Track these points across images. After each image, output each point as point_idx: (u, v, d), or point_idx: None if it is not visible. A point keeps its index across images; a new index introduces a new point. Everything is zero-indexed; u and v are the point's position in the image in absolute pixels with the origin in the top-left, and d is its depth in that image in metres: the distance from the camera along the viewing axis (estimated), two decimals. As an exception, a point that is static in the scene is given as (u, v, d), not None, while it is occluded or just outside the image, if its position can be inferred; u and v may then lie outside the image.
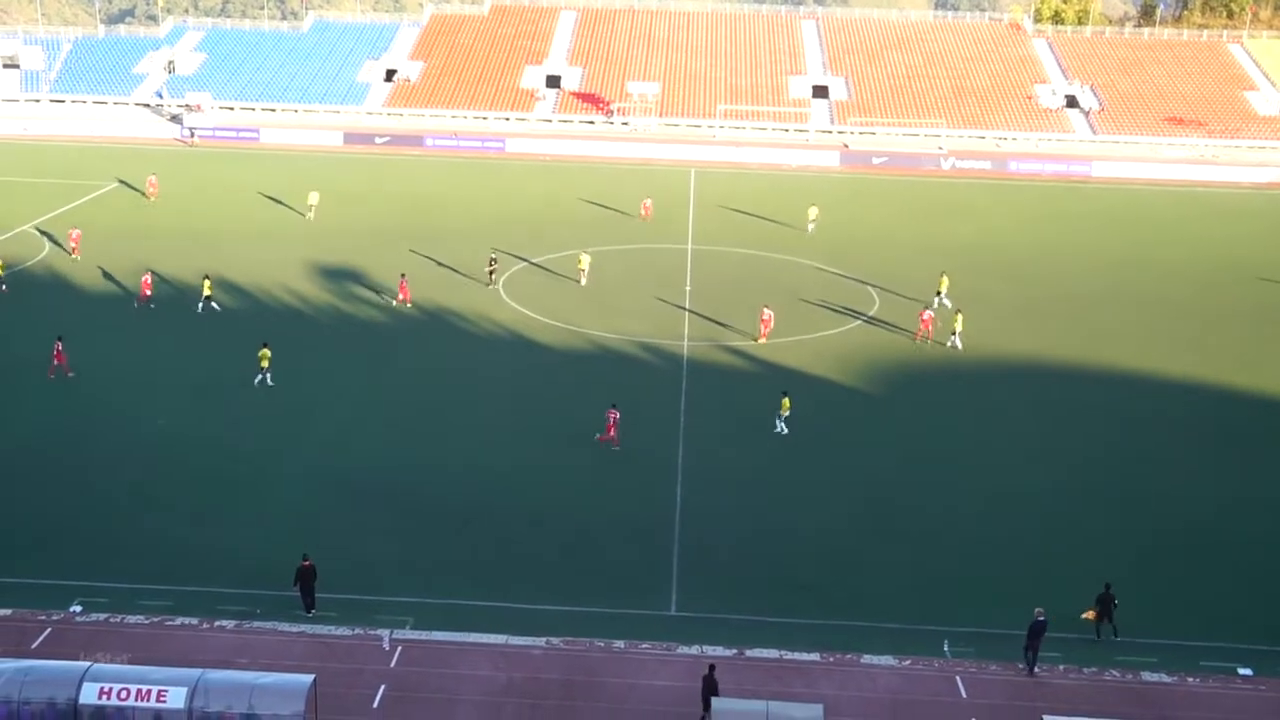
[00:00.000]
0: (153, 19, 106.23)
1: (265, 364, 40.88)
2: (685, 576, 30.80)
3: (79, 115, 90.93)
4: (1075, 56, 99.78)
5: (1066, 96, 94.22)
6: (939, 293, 52.87)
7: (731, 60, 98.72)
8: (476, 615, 28.48)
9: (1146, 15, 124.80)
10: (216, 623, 27.68)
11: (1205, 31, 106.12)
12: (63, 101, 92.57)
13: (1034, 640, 26.48)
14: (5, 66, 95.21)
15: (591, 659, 26.92)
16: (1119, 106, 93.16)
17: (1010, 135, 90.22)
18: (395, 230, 63.51)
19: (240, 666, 25.49)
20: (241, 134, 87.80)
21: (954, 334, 47.58)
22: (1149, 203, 77.38)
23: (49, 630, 27.12)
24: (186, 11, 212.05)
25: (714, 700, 23.35)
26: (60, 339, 41.84)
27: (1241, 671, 27.36)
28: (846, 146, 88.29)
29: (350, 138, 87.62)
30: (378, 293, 52.14)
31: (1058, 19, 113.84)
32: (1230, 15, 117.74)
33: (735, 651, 27.26)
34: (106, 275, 53.88)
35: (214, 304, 49.01)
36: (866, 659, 27.27)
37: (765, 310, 47.10)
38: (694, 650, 27.32)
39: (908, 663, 27.18)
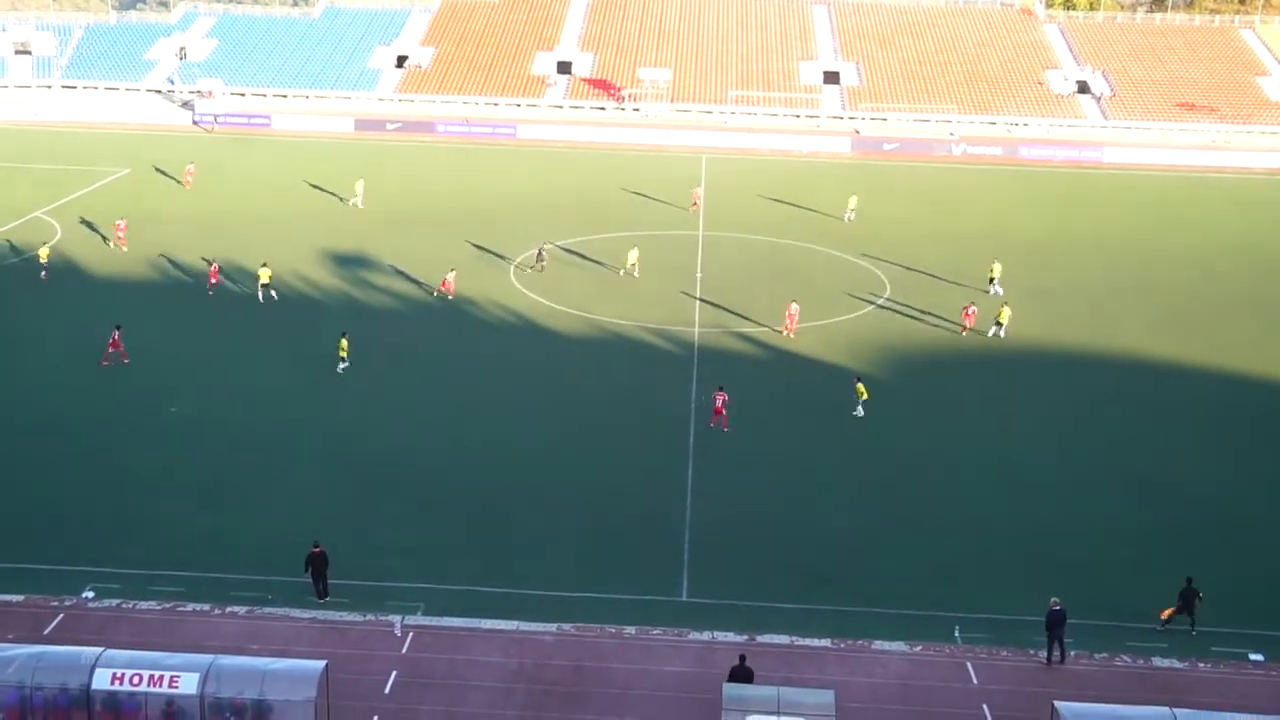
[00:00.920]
0: (164, 5, 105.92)
1: (343, 353, 41.44)
2: (696, 562, 30.82)
3: (90, 101, 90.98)
4: (1087, 42, 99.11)
5: (1078, 82, 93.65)
6: (991, 280, 52.66)
7: (743, 46, 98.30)
8: (488, 601, 28.54)
9: (1158, 0, 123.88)
10: (228, 609, 27.80)
11: (1217, 17, 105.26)
12: (74, 88, 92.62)
13: (1054, 630, 26.41)
14: (17, 52, 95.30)
15: (603, 645, 26.96)
16: (1130, 92, 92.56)
17: (1022, 121, 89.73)
18: (444, 217, 63.04)
19: (252, 652, 25.59)
20: (253, 120, 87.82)
21: (998, 324, 47.20)
22: (1161, 188, 76.94)
23: (61, 616, 27.27)
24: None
25: (725, 686, 23.36)
26: (119, 328, 42.22)
27: (1252, 657, 27.33)
28: (858, 132, 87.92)
29: (361, 124, 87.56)
30: (418, 284, 51.84)
31: (1069, 4, 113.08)
32: (1242, 1, 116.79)
33: (746, 637, 27.27)
34: (154, 263, 53.91)
35: (272, 292, 49.11)
36: (878, 645, 27.27)
37: (792, 305, 46.79)
38: (705, 636, 27.35)
39: (919, 649, 27.18)
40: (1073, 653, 26.98)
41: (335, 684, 23.86)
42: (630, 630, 27.52)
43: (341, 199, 66.29)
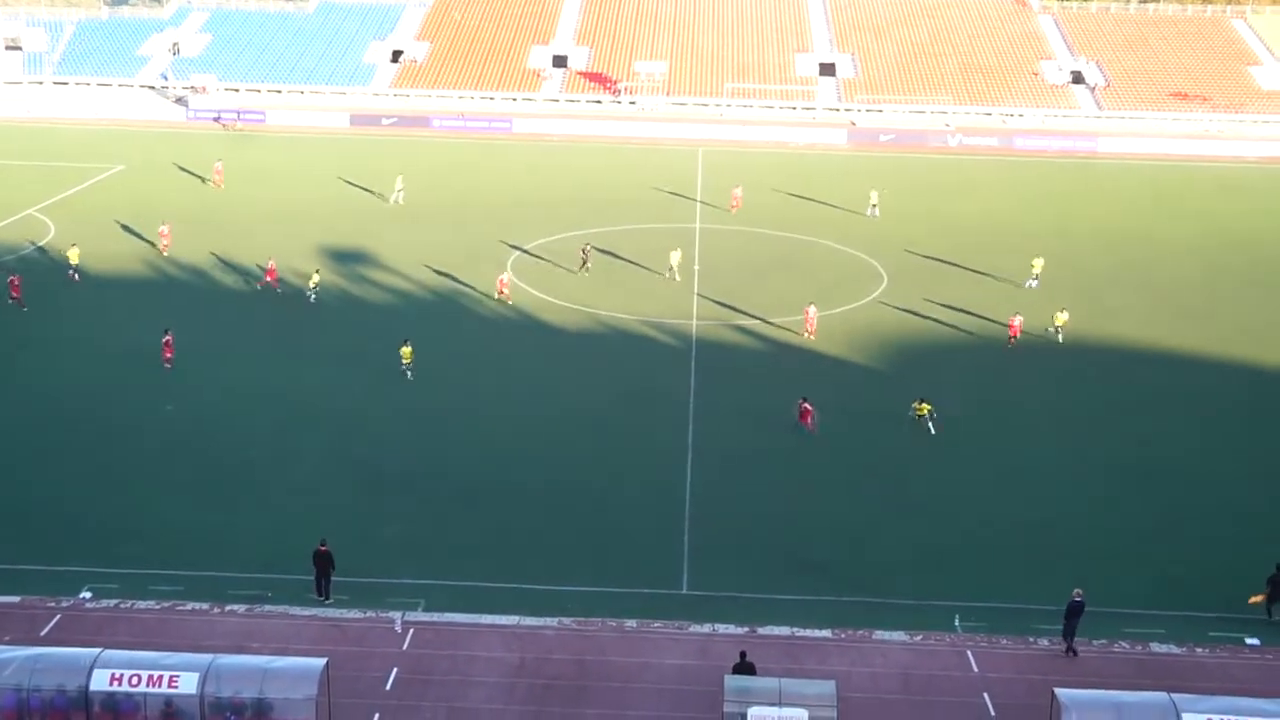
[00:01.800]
0: (157, 0, 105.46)
1: (407, 360, 41.01)
2: (696, 555, 30.80)
3: (83, 98, 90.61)
4: (1080, 32, 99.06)
5: (1072, 73, 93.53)
6: (1034, 275, 52.33)
7: (738, 38, 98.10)
8: (488, 597, 28.51)
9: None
10: (227, 607, 27.73)
11: (1209, 7, 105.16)
12: (66, 84, 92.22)
13: (1070, 620, 26.40)
14: (8, 49, 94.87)
15: (603, 639, 26.94)
16: (1124, 82, 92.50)
17: (1017, 112, 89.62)
18: (480, 214, 62.47)
19: (252, 651, 25.54)
20: (246, 116, 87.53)
21: (1055, 328, 46.10)
22: (1155, 177, 76.93)
23: (59, 617, 27.17)
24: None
25: (727, 678, 23.37)
26: (169, 330, 41.78)
27: (1249, 641, 27.47)
28: (853, 124, 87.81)
29: (357, 119, 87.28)
30: (466, 285, 50.81)
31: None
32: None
33: (747, 629, 27.28)
34: (192, 265, 53.40)
35: (311, 296, 48.33)
36: (878, 635, 27.29)
37: (810, 308, 46.11)
38: (705, 629, 27.35)
39: (919, 638, 27.20)
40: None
41: (336, 681, 23.82)
42: (631, 624, 27.50)
43: (378, 195, 65.60)
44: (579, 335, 46.22)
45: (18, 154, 74.85)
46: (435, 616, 27.63)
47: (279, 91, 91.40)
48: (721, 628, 27.37)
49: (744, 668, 24.44)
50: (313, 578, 28.25)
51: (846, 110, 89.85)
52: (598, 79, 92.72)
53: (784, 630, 27.33)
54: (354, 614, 27.66)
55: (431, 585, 28.98)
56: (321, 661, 23.23)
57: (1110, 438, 38.17)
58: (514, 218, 61.85)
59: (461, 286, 51.04)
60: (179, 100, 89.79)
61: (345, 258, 54.81)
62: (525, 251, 55.95)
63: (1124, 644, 27.16)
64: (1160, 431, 38.72)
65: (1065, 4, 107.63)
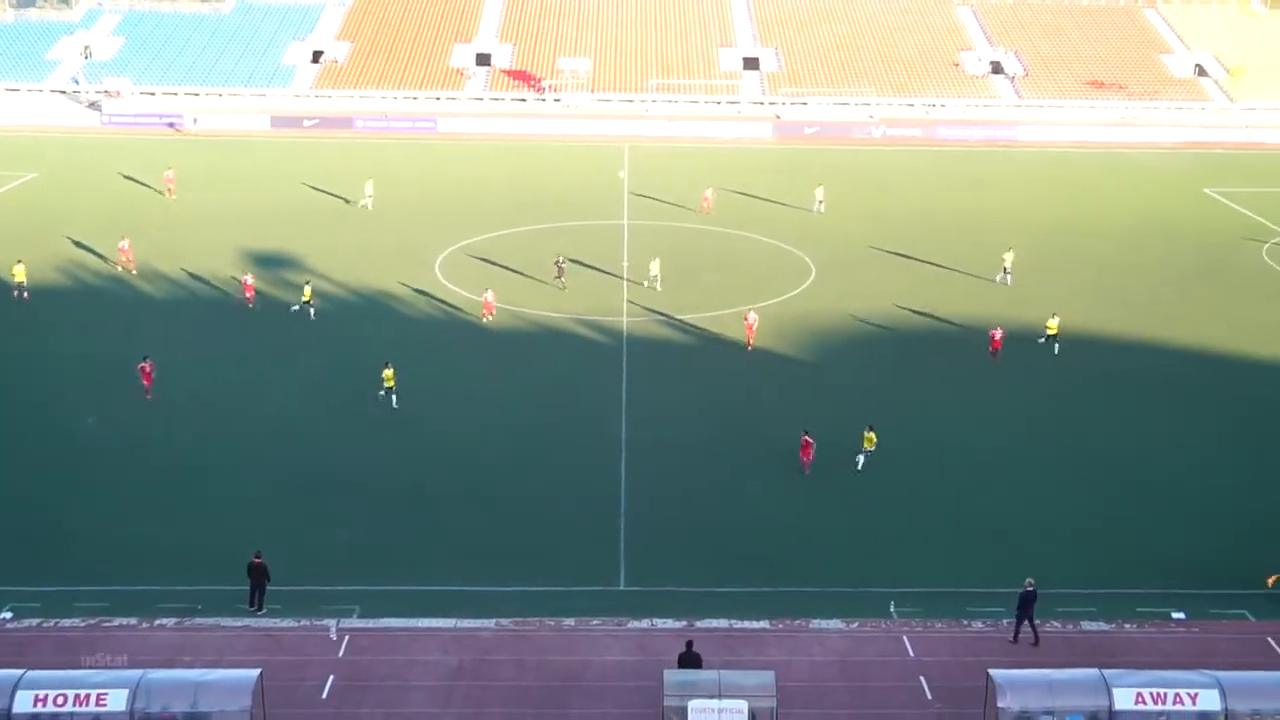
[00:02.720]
0: (65, 3, 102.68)
1: (389, 384, 38.63)
2: (633, 551, 30.82)
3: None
4: (999, 23, 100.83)
5: (991, 63, 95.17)
6: (1005, 270, 52.52)
7: (662, 33, 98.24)
8: (425, 600, 28.25)
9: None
10: (157, 621, 27.13)
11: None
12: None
13: (1025, 609, 26.67)
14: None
15: (542, 638, 26.84)
16: (1042, 71, 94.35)
17: (939, 102, 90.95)
18: (450, 217, 61.42)
19: (184, 664, 25.03)
20: (165, 119, 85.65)
21: (1052, 337, 44.63)
22: (1074, 165, 78.56)
23: (-22, 638, 26.38)
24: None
25: (666, 672, 23.38)
26: (147, 357, 39.26)
27: (1175, 616, 28.22)
28: (778, 118, 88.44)
29: (278, 121, 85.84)
30: (401, 285, 50.70)
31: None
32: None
33: (685, 623, 27.35)
34: (150, 276, 51.89)
35: (310, 308, 46.82)
36: (815, 624, 27.53)
37: (750, 314, 45.49)
38: (644, 624, 27.36)
39: (855, 625, 27.49)
40: (1004, 620, 27.46)
41: (272, 691, 23.43)
42: (569, 622, 27.42)
43: (346, 200, 64.39)
44: (509, 335, 45.95)
45: (-77, 163, 72.44)
46: (371, 622, 27.30)
47: (197, 95, 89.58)
48: (660, 622, 27.41)
49: (690, 658, 24.49)
50: (247, 588, 27.76)
51: (771, 104, 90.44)
52: (522, 77, 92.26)
53: (722, 623, 27.45)
54: (288, 623, 27.23)
55: (366, 591, 28.63)
56: (255, 672, 22.83)
57: (1037, 420, 38.91)
58: (443, 219, 61.34)
59: (396, 287, 50.45)
60: (92, 105, 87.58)
61: (271, 263, 53.90)
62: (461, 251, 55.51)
63: (1055, 623, 27.70)
64: (1084, 413, 39.53)
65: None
